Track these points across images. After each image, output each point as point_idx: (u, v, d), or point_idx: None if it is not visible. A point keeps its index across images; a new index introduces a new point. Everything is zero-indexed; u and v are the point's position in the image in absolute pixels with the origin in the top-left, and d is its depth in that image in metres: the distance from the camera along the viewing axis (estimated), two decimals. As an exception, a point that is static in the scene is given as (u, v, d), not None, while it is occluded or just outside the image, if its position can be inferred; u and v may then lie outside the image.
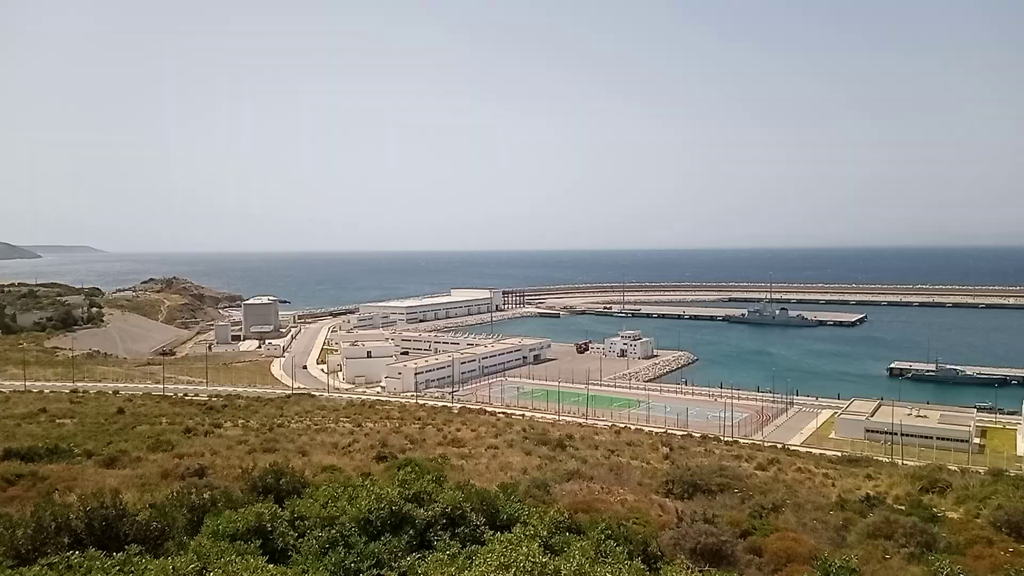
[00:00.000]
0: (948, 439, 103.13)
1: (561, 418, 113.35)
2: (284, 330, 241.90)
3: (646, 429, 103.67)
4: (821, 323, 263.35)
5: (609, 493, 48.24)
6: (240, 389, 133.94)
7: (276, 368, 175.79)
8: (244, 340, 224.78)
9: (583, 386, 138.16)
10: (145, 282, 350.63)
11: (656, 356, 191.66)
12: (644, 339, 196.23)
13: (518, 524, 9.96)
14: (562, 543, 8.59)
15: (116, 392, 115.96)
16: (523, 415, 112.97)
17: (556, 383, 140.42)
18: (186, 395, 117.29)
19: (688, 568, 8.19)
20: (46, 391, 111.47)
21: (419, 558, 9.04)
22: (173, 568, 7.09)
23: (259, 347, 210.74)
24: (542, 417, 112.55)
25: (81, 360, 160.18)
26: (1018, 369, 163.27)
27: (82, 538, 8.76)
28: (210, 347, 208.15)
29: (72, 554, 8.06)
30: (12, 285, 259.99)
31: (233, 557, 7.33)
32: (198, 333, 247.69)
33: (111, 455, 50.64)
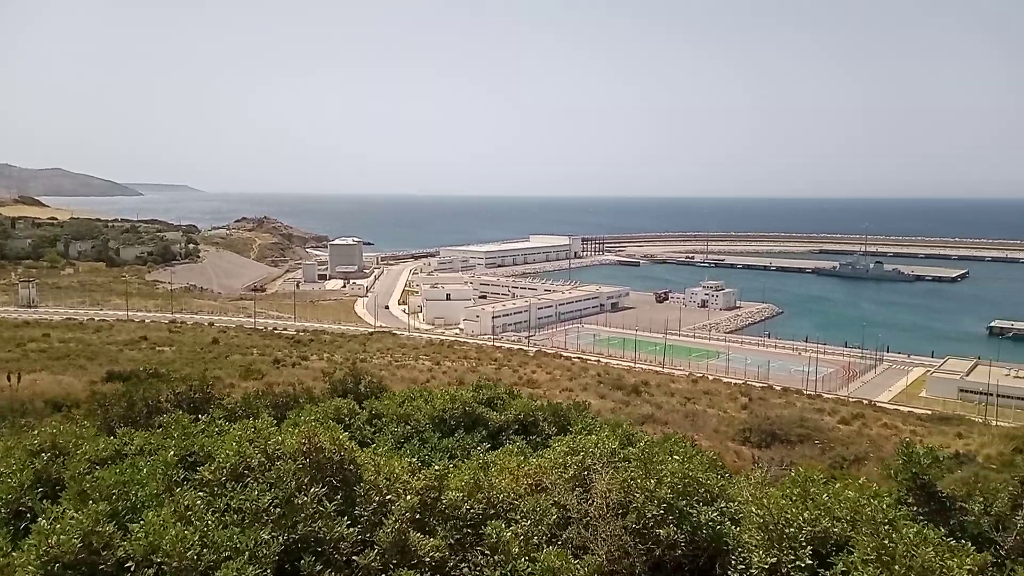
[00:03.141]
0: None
1: (637, 366, 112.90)
2: (368, 271, 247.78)
3: (725, 380, 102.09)
4: (919, 278, 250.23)
5: (684, 438, 48.13)
6: (325, 325, 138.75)
7: (359, 307, 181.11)
8: (330, 279, 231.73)
9: (661, 335, 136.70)
10: (238, 221, 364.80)
11: (739, 307, 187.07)
12: (727, 290, 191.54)
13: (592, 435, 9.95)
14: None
15: (211, 324, 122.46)
16: (598, 361, 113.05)
17: (633, 331, 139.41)
18: (275, 329, 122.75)
19: (764, 469, 8.00)
20: (147, 321, 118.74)
21: (490, 449, 9.23)
22: (255, 428, 7.41)
23: (344, 286, 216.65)
24: (618, 364, 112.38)
25: (179, 293, 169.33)
26: None
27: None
28: (298, 285, 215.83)
29: (161, 417, 8.59)
30: (116, 221, 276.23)
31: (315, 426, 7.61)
32: (287, 271, 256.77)
33: (207, 381, 53.88)
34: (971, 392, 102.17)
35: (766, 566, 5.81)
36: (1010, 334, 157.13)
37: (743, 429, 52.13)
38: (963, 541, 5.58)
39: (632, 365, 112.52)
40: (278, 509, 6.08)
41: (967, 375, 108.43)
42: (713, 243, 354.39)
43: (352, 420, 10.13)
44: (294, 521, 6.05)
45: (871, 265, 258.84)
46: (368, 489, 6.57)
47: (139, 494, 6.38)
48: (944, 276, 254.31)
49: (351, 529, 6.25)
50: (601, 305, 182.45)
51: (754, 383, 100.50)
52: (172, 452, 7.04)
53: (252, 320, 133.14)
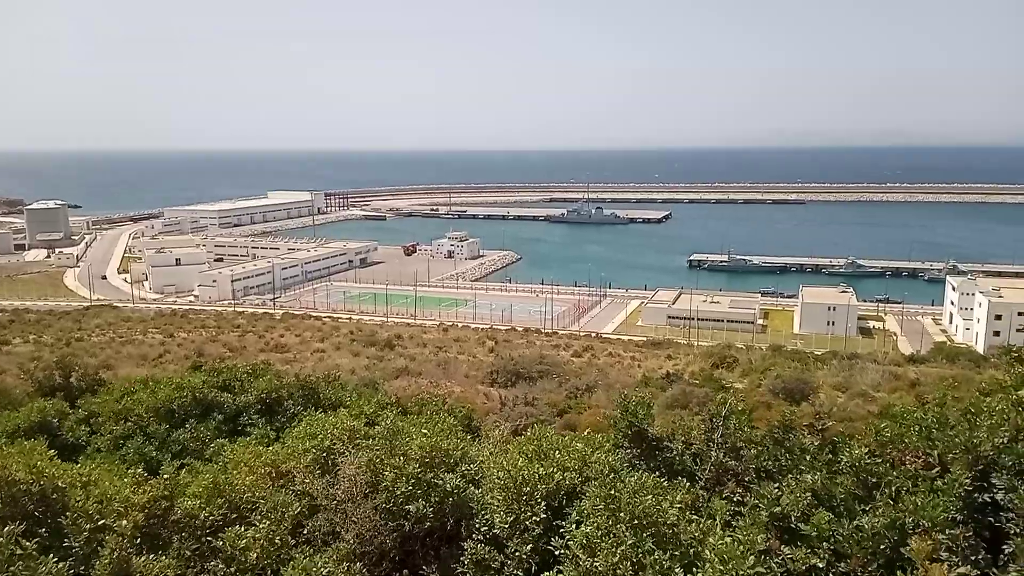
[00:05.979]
0: (736, 321, 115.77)
1: (389, 320, 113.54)
2: (77, 237, 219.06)
3: (473, 326, 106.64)
4: (632, 220, 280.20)
5: (437, 387, 49.55)
6: (29, 303, 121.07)
7: (70, 279, 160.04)
8: (29, 249, 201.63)
9: (411, 288, 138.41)
10: None
11: (482, 256, 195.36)
12: (470, 240, 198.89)
13: (342, 408, 9.82)
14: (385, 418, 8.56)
15: None
16: (350, 319, 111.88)
17: (384, 286, 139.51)
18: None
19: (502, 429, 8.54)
20: None
21: (228, 441, 8.70)
22: None
23: (48, 256, 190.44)
24: (370, 320, 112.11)
25: None
26: (797, 258, 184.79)
27: None
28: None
29: None
30: None
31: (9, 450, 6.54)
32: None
33: None
34: (677, 318, 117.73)
35: (507, 524, 6.27)
36: (706, 265, 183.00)
37: (491, 371, 55.02)
38: (678, 478, 6.54)
39: (385, 320, 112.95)
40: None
41: (673, 303, 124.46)
42: (456, 195, 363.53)
43: (62, 423, 8.90)
44: (-15, 570, 5.17)
45: (593, 211, 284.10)
46: (77, 517, 5.81)
47: None
48: (652, 218, 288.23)
49: (60, 565, 5.48)
50: (350, 261, 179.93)
51: (499, 326, 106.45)
52: None
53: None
